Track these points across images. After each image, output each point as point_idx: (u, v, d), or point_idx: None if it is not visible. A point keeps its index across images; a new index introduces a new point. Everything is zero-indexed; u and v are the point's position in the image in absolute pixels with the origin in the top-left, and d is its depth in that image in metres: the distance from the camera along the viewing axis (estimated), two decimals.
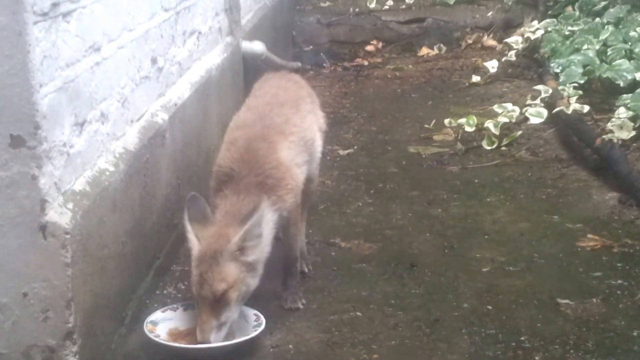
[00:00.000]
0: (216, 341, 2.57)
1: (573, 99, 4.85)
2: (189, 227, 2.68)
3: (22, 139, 2.12)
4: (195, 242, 2.65)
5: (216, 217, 2.72)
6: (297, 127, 3.04)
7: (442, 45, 7.29)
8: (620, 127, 4.28)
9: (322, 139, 3.31)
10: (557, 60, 5.52)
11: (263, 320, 2.73)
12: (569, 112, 4.69)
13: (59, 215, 2.21)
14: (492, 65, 6.09)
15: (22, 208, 2.17)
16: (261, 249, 2.67)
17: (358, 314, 2.91)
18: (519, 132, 4.79)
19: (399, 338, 2.75)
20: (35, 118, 2.12)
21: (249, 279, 2.64)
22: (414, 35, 7.41)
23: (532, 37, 6.35)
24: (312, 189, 3.30)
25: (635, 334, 2.72)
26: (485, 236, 3.54)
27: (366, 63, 7.08)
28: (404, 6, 7.84)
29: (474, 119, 4.89)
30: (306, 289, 3.06)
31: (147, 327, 2.69)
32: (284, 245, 3.01)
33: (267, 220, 2.74)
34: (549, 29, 6.26)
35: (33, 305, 2.23)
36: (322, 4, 8.13)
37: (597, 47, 5.45)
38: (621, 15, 5.97)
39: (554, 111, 4.79)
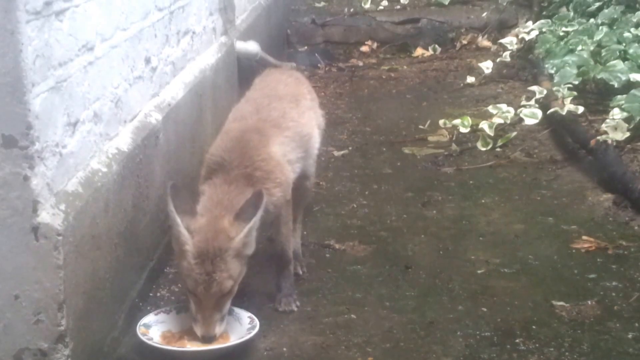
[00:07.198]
0: (219, 334, 2.60)
1: (567, 100, 4.83)
2: (177, 219, 2.60)
3: (14, 139, 2.10)
4: (187, 236, 2.59)
5: (204, 206, 2.68)
6: (293, 122, 3.03)
7: (436, 45, 7.28)
8: (615, 128, 4.27)
9: (320, 136, 3.30)
10: (551, 61, 5.50)
11: (257, 322, 2.72)
12: (564, 113, 4.69)
13: (51, 216, 2.19)
14: (486, 66, 6.08)
15: (14, 209, 2.14)
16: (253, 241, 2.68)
17: (352, 316, 2.90)
18: (514, 133, 4.78)
19: (393, 340, 2.74)
20: (27, 118, 2.09)
21: (244, 269, 2.68)
22: (409, 35, 7.40)
23: (527, 37, 6.34)
24: (308, 187, 3.28)
25: (630, 336, 2.72)
26: (480, 238, 3.53)
27: (361, 64, 7.06)
28: (398, 7, 7.84)
29: (468, 120, 4.88)
30: (300, 291, 3.04)
31: (140, 330, 2.67)
32: (276, 246, 2.99)
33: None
34: (544, 29, 6.25)
35: (25, 308, 2.21)
36: (317, 4, 8.12)
37: (592, 48, 5.44)
38: (615, 16, 5.96)
39: (548, 112, 4.79)
